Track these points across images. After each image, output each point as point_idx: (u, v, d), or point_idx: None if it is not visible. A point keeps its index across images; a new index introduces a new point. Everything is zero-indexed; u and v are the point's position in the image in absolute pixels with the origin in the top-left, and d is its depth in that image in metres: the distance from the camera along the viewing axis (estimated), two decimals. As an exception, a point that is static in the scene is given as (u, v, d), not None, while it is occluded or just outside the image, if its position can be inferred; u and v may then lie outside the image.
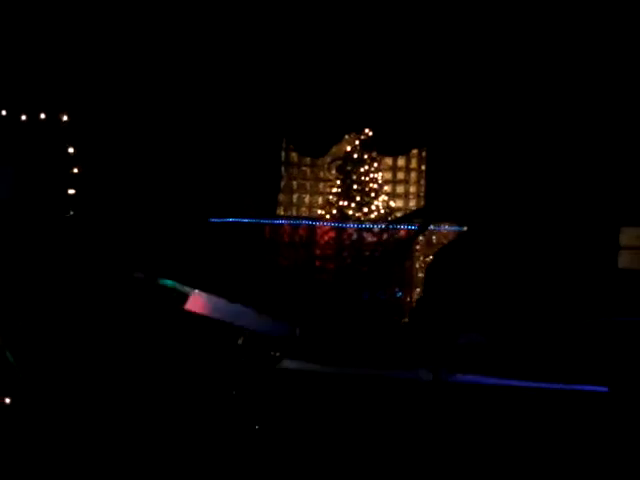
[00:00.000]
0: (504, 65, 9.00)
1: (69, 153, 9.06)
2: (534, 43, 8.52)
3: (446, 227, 8.20)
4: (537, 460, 2.74)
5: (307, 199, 11.87)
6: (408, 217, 6.71)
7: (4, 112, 8.80)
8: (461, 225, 7.54)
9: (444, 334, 3.56)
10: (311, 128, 10.88)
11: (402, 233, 8.44)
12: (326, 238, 9.54)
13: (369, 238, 8.82)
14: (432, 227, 7.82)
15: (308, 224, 10.17)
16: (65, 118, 9.02)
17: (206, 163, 10.39)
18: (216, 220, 9.36)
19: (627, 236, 8.43)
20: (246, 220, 9.71)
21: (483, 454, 2.78)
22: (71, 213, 9.07)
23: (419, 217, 3.92)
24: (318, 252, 9.08)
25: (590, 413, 2.86)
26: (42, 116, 8.91)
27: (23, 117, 8.86)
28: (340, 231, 9.62)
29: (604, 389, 2.88)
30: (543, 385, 2.95)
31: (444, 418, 2.79)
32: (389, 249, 7.94)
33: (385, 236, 8.61)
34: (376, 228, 8.65)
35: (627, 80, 8.11)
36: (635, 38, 7.94)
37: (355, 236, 9.42)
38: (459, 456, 2.75)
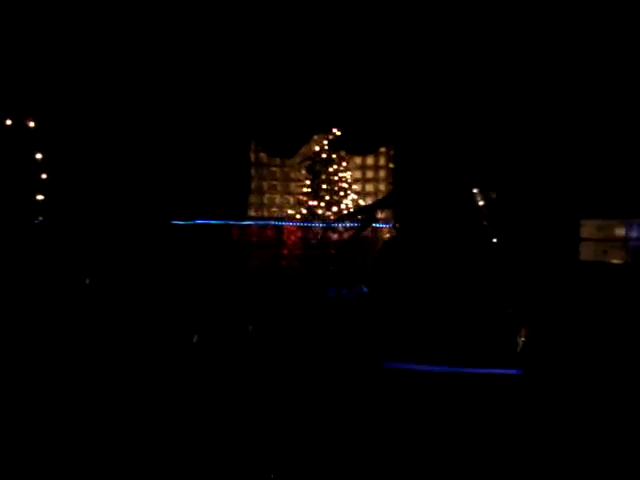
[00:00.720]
0: (467, 62, 9.13)
1: (37, 159, 9.07)
2: (497, 43, 8.67)
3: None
4: (457, 442, 2.85)
5: (277, 199, 11.98)
6: (352, 214, 6.82)
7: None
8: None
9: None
10: (279, 129, 10.99)
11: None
12: (291, 238, 9.65)
13: (332, 235, 8.93)
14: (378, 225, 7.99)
15: (261, 224, 10.25)
16: (32, 124, 9.03)
17: (175, 166, 10.44)
18: (182, 223, 9.41)
19: (587, 228, 8.62)
20: (212, 222, 9.76)
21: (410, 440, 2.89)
22: (40, 219, 9.08)
23: (363, 214, 4.01)
24: (283, 252, 9.16)
25: (505, 395, 2.98)
26: (8, 122, 8.91)
27: (-10, 124, 8.86)
28: (299, 230, 9.73)
29: (518, 372, 3.01)
30: (460, 370, 3.07)
31: (370, 402, 2.89)
32: (339, 246, 8.05)
33: (342, 233, 8.71)
34: (329, 226, 8.75)
35: (591, 75, 8.28)
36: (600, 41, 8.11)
37: (312, 234, 9.54)
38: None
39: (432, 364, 3.22)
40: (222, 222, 9.85)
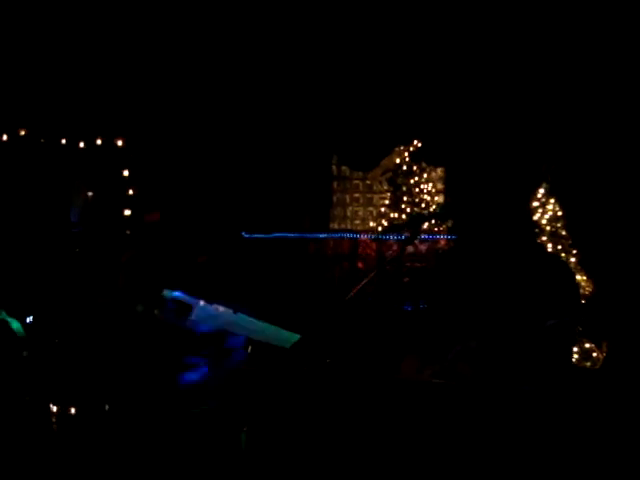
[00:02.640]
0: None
1: (124, 176, 9.55)
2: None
3: (440, 236, 8.27)
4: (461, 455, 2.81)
5: (360, 212, 12.03)
6: (399, 227, 6.79)
7: (64, 140, 9.35)
8: (452, 234, 7.62)
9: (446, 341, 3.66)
10: (360, 142, 11.06)
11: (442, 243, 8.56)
12: (366, 250, 9.70)
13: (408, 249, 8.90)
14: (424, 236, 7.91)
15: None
16: (120, 143, 9.52)
17: (257, 181, 10.72)
18: (262, 236, 9.65)
19: None
20: (289, 235, 9.95)
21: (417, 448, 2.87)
22: (128, 233, 9.52)
23: (410, 226, 3.98)
24: (358, 265, 9.23)
25: (516, 410, 2.90)
26: (99, 142, 9.43)
27: (81, 144, 9.40)
28: (374, 243, 9.76)
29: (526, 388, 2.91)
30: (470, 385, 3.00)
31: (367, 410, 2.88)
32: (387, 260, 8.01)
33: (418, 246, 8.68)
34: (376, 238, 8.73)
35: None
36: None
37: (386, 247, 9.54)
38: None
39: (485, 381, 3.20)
40: (298, 235, 10.03)
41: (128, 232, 9.51)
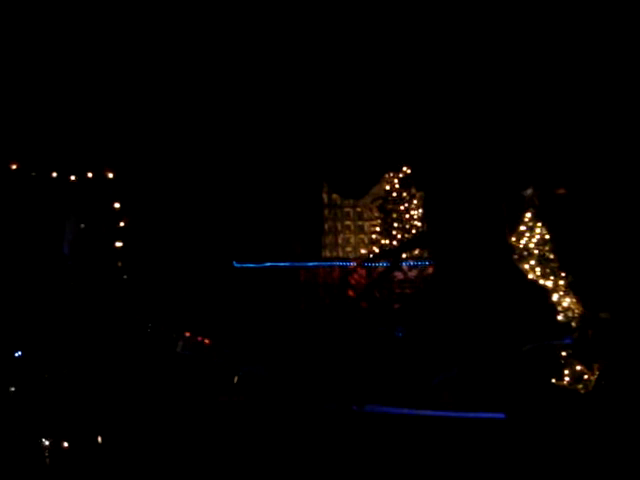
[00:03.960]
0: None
1: (115, 208, 9.60)
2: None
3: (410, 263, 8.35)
4: None
5: (352, 239, 12.06)
6: (381, 255, 6.84)
7: (55, 174, 9.42)
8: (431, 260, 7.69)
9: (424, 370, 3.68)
10: (350, 171, 11.16)
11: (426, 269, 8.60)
12: (356, 278, 9.72)
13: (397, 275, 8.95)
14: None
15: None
16: (110, 175, 9.59)
17: (248, 210, 10.77)
18: (253, 265, 9.67)
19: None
20: (280, 264, 9.99)
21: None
22: (119, 264, 9.55)
23: (392, 255, 4.00)
24: (349, 292, 9.24)
25: (490, 439, 2.90)
26: (89, 175, 9.50)
27: (72, 177, 9.47)
28: (364, 270, 9.78)
29: (501, 416, 2.92)
30: (447, 414, 3.01)
31: (356, 446, 2.90)
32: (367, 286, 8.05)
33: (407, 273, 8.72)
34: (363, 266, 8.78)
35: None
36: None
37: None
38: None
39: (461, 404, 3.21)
40: (289, 264, 10.05)
41: (119, 264, 9.54)
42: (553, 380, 6.75)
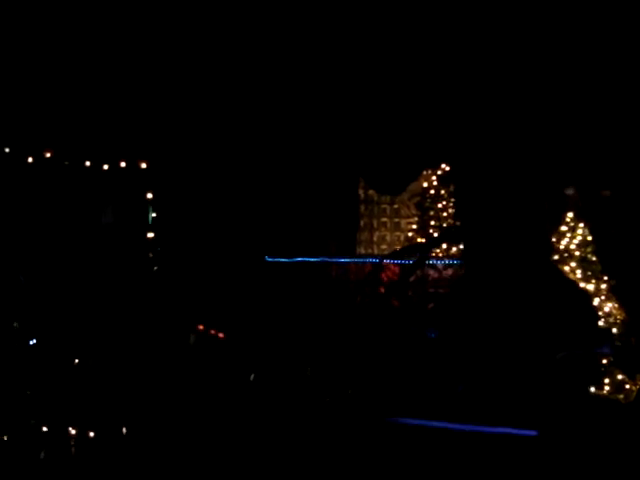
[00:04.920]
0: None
1: (148, 198, 9.54)
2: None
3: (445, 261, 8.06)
4: None
5: (388, 237, 11.83)
6: (407, 251, 6.60)
7: (88, 163, 9.39)
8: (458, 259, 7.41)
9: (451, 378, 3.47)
10: (387, 166, 10.95)
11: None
12: (389, 275, 9.49)
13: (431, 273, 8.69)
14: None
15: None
16: (144, 165, 9.52)
17: (283, 204, 10.64)
18: (285, 260, 9.55)
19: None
20: (311, 259, 9.84)
21: None
22: (150, 255, 9.49)
23: (419, 251, 3.76)
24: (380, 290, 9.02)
25: (521, 456, 2.67)
26: (122, 164, 9.45)
27: (105, 166, 9.43)
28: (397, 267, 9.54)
29: (534, 433, 2.68)
30: (477, 428, 2.78)
31: (382, 459, 2.71)
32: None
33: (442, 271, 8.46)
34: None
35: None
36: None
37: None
38: None
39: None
40: (320, 259, 9.89)
41: (151, 255, 9.47)
42: (592, 389, 6.44)
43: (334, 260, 10.22)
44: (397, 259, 8.41)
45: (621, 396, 7.69)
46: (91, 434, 5.74)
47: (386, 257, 8.66)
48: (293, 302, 8.78)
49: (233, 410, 4.89)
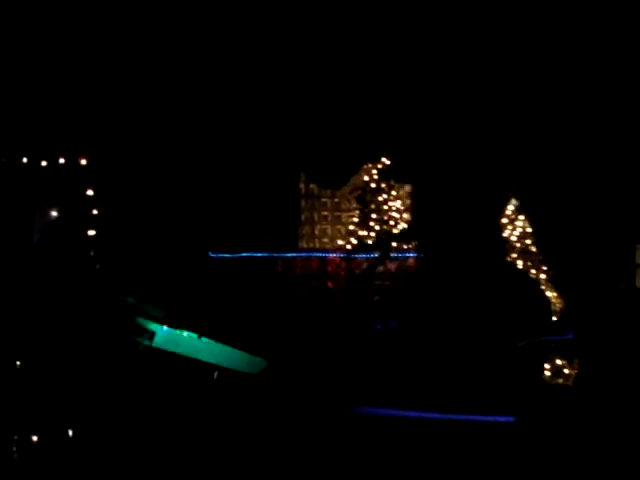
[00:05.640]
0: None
1: (88, 195, 9.32)
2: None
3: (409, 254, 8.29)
4: None
5: (329, 230, 11.93)
6: (369, 246, 6.74)
7: (25, 159, 9.11)
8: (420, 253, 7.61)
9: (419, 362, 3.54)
10: (328, 160, 11.01)
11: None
12: (335, 269, 9.60)
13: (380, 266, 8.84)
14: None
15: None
16: (84, 162, 9.30)
17: (224, 199, 10.57)
18: (229, 255, 9.49)
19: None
20: (257, 254, 9.83)
21: None
22: (92, 253, 9.29)
23: (381, 246, 3.79)
24: (327, 284, 9.12)
25: (497, 443, 2.76)
26: (61, 161, 9.20)
27: (43, 163, 9.16)
28: (343, 262, 9.68)
29: (510, 419, 2.77)
30: (452, 417, 2.86)
31: (352, 449, 2.75)
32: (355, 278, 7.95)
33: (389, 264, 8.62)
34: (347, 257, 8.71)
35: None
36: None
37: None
38: None
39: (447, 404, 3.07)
40: (266, 255, 9.89)
41: (92, 252, 9.27)
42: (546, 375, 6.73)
43: (280, 255, 10.24)
44: (359, 254, 8.51)
45: (560, 380, 8.03)
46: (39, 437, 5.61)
47: (352, 252, 8.72)
48: (239, 298, 8.77)
49: (190, 405, 4.88)
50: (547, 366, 7.80)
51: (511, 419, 2.78)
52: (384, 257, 3.42)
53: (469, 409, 2.88)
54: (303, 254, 10.66)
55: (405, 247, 9.52)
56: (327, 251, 10.46)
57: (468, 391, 3.11)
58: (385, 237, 3.84)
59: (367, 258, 9.47)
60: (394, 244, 9.00)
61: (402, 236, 3.83)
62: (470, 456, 2.67)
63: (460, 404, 3.05)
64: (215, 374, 4.46)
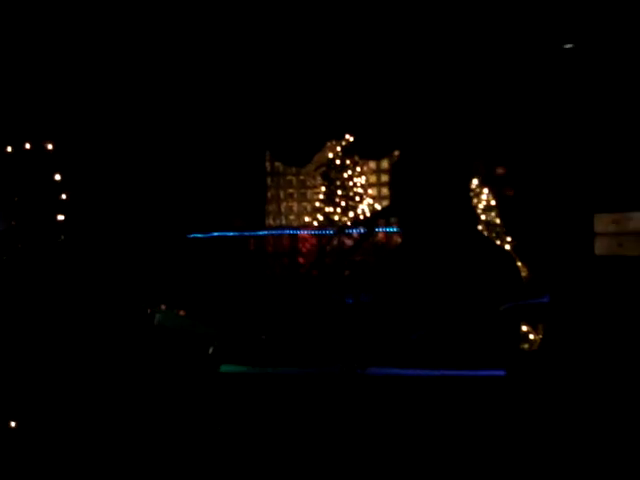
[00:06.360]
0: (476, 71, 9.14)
1: (56, 180, 9.31)
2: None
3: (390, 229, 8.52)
4: (445, 447, 2.88)
5: (295, 207, 12.11)
6: (358, 223, 6.91)
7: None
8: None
9: (394, 330, 3.71)
10: (292, 138, 11.11)
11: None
12: (306, 246, 9.77)
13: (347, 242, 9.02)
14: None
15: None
16: (50, 147, 9.27)
17: (190, 179, 10.61)
18: (200, 236, 9.57)
19: (602, 222, 8.61)
20: (229, 234, 9.92)
21: (395, 444, 2.93)
22: (62, 238, 9.30)
23: (364, 225, 3.92)
24: (299, 260, 9.29)
25: (489, 397, 2.95)
26: (27, 146, 9.16)
27: (8, 149, 9.11)
28: (314, 238, 9.85)
29: (501, 372, 2.94)
30: (444, 372, 3.02)
31: (355, 410, 2.90)
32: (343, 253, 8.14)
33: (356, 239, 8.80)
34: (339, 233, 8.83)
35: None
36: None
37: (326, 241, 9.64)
38: (373, 447, 2.89)
39: (425, 366, 3.26)
40: (238, 234, 10.00)
41: (62, 238, 9.28)
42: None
43: (251, 234, 10.36)
44: (347, 231, 8.64)
45: (526, 346, 8.40)
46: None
47: (340, 229, 8.85)
48: (214, 277, 8.89)
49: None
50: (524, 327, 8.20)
51: (502, 373, 2.98)
52: (370, 233, 3.54)
53: (457, 367, 3.07)
54: (275, 232, 10.82)
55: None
56: (301, 228, 10.61)
57: (453, 352, 3.31)
58: (373, 214, 3.95)
59: (335, 234, 9.65)
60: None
61: (388, 213, 3.92)
62: (465, 408, 2.86)
63: (447, 364, 3.23)
64: (210, 349, 4.59)
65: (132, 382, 4.75)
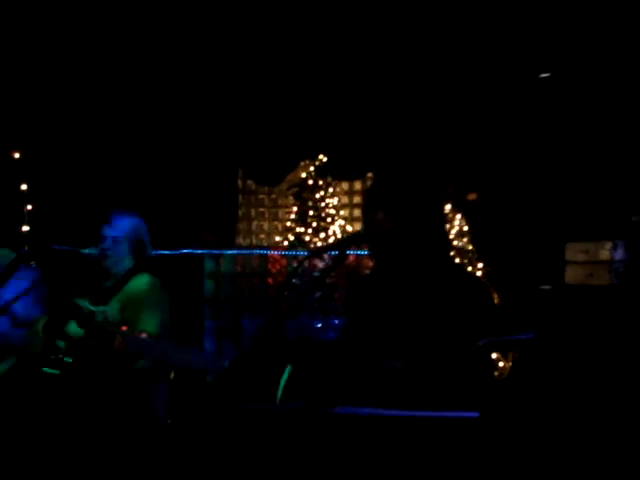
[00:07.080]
0: (453, 91, 9.15)
1: (22, 190, 9.10)
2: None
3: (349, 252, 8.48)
4: None
5: (266, 226, 12.01)
6: (322, 250, 6.84)
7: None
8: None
9: (366, 360, 3.59)
10: (265, 157, 11.01)
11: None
12: (276, 266, 9.67)
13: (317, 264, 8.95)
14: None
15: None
16: (17, 155, 9.07)
17: (162, 195, 10.44)
18: (168, 252, 9.39)
19: (572, 251, 8.63)
20: (197, 252, 9.76)
21: None
22: (26, 249, 9.05)
23: (334, 249, 3.80)
24: (268, 280, 9.17)
25: (461, 439, 2.80)
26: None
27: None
28: (284, 258, 9.75)
29: (475, 414, 2.81)
30: (415, 413, 2.87)
31: (320, 449, 2.75)
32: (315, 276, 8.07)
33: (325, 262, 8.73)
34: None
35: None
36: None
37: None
38: None
39: (398, 404, 3.13)
40: (206, 252, 9.86)
41: (26, 248, 9.04)
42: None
43: (221, 252, 10.21)
44: (322, 253, 8.52)
45: (496, 373, 8.35)
46: None
47: (316, 250, 8.75)
48: (179, 295, 8.69)
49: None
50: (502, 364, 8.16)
51: (475, 414, 2.84)
52: (342, 257, 3.43)
53: (429, 406, 2.93)
54: (244, 251, 10.68)
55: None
56: (270, 249, 10.49)
57: (425, 389, 3.18)
58: (348, 238, 3.85)
59: (307, 256, 9.57)
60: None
61: (363, 238, 3.79)
62: (439, 450, 2.72)
63: (418, 402, 3.10)
64: (172, 375, 4.46)
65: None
